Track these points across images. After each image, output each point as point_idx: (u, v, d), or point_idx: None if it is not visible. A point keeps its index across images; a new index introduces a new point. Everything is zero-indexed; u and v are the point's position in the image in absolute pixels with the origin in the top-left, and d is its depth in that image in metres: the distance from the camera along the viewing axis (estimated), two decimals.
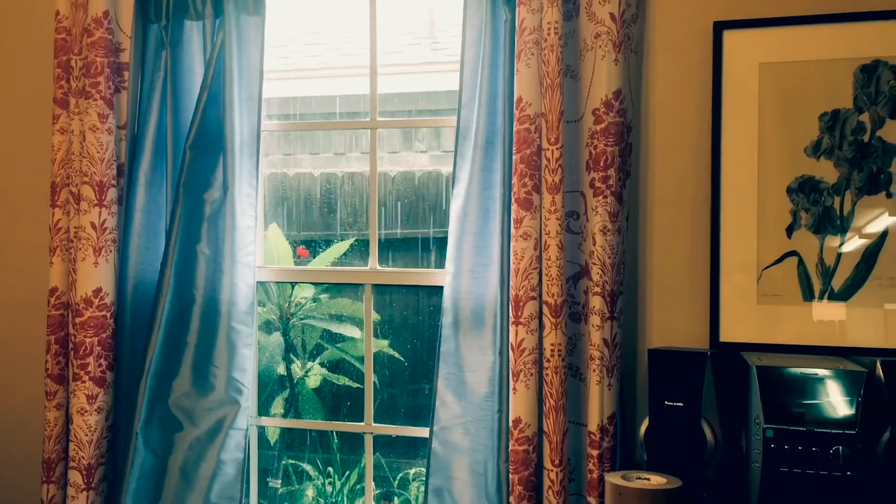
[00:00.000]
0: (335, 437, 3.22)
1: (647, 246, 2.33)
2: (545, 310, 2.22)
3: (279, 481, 3.25)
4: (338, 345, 3.22)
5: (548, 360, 2.22)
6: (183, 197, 2.54)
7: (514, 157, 2.27)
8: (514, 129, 2.27)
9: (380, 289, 3.15)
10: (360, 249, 3.21)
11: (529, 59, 2.24)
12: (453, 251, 2.46)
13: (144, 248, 2.61)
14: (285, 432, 3.26)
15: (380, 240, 3.17)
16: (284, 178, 3.24)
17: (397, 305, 3.23)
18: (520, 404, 2.24)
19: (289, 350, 3.20)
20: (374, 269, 2.68)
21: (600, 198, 2.20)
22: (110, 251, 2.51)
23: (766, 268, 2.20)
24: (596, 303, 2.20)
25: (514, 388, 2.25)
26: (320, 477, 3.26)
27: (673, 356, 2.09)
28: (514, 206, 2.26)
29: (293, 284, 3.13)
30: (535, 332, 2.24)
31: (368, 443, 2.72)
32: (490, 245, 2.42)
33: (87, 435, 2.45)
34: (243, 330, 2.62)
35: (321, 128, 2.87)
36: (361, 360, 3.23)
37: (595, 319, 2.20)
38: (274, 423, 2.79)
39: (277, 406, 3.24)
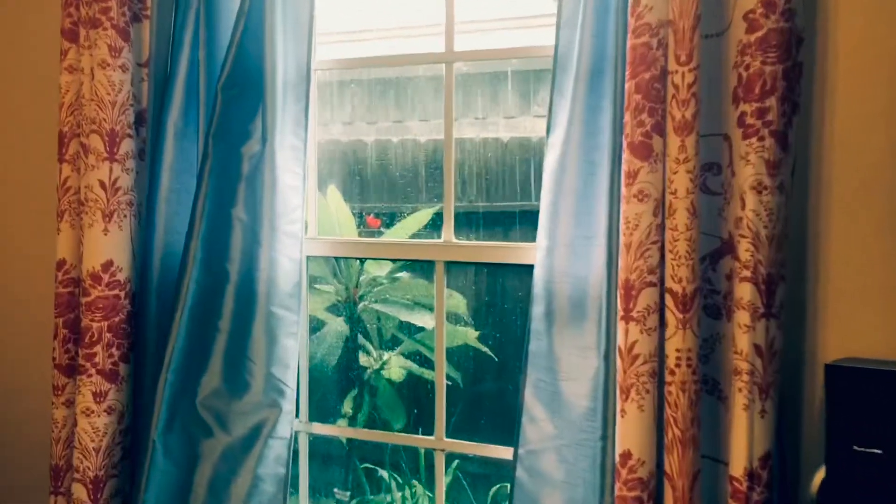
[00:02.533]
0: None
1: (822, 212, 1.63)
2: (669, 301, 1.56)
3: (347, 493, 2.74)
4: (417, 335, 2.66)
5: (671, 372, 1.57)
6: (213, 150, 2.04)
7: (626, 84, 1.61)
8: (629, 45, 1.61)
9: (466, 269, 2.56)
10: (460, 220, 2.61)
11: None
12: (547, 219, 1.84)
13: (174, 213, 2.14)
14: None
15: (472, 212, 2.58)
16: (354, 142, 2.69)
17: (489, 289, 2.64)
18: (630, 433, 1.60)
19: (354, 339, 2.66)
20: (449, 241, 2.09)
21: (753, 140, 1.52)
22: (124, 216, 2.04)
23: None
24: (745, 292, 1.52)
25: (623, 411, 1.61)
26: (404, 488, 2.72)
27: (867, 377, 1.39)
28: (625, 155, 1.61)
29: (362, 260, 2.59)
30: (653, 331, 1.59)
31: (439, 463, 2.14)
32: (595, 211, 1.78)
33: (93, 441, 2.00)
34: (286, 316, 2.10)
35: (385, 63, 2.31)
36: (451, 352, 2.66)
37: (743, 316, 1.53)
38: (324, 431, 2.27)
39: (346, 406, 2.72)
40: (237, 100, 2.06)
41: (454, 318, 2.67)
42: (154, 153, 2.11)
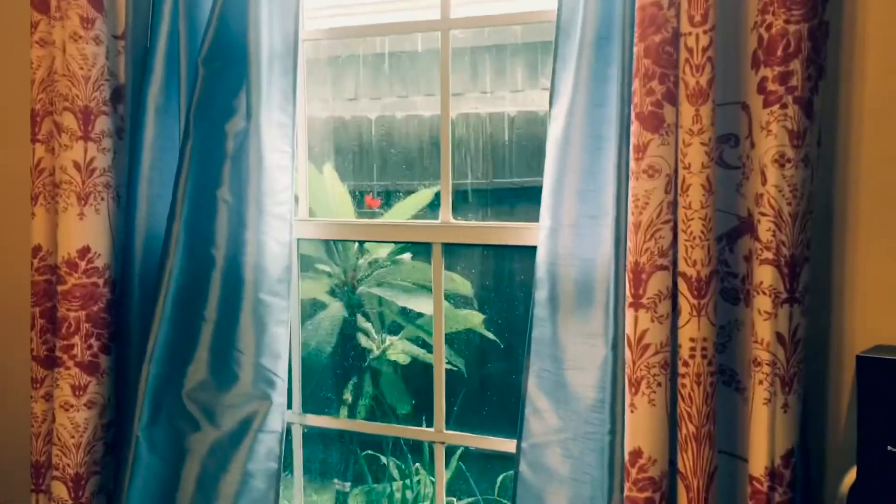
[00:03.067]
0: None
1: (850, 187, 1.49)
2: (682, 286, 1.43)
3: (348, 483, 2.63)
4: (419, 320, 2.53)
5: (685, 364, 1.44)
6: (195, 127, 1.91)
7: (634, 49, 1.47)
8: (637, 4, 1.46)
9: (471, 250, 2.43)
10: (455, 200, 2.48)
11: None
12: (550, 198, 1.71)
13: (156, 195, 2.01)
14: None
15: (479, 190, 2.44)
16: (351, 119, 2.55)
17: (496, 271, 2.51)
18: (641, 429, 1.47)
19: (354, 324, 2.54)
20: (447, 222, 1.96)
21: (775, 108, 1.37)
22: (101, 199, 1.91)
23: None
24: (765, 276, 1.39)
25: (633, 405, 1.48)
26: (407, 476, 2.61)
27: None
28: (633, 126, 1.47)
29: (361, 243, 2.46)
30: (664, 319, 1.46)
31: (439, 455, 2.03)
32: (602, 187, 1.65)
33: (73, 436, 1.89)
34: (275, 303, 1.98)
35: (378, 33, 2.17)
36: (454, 337, 2.53)
37: (763, 302, 1.39)
38: (320, 423, 2.16)
39: (347, 394, 2.60)
40: (220, 74, 1.93)
41: (459, 302, 2.54)
42: (134, 131, 1.98)
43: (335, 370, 2.59)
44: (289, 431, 2.10)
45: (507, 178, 2.46)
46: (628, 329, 1.47)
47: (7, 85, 2.18)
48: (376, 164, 2.53)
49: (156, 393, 1.93)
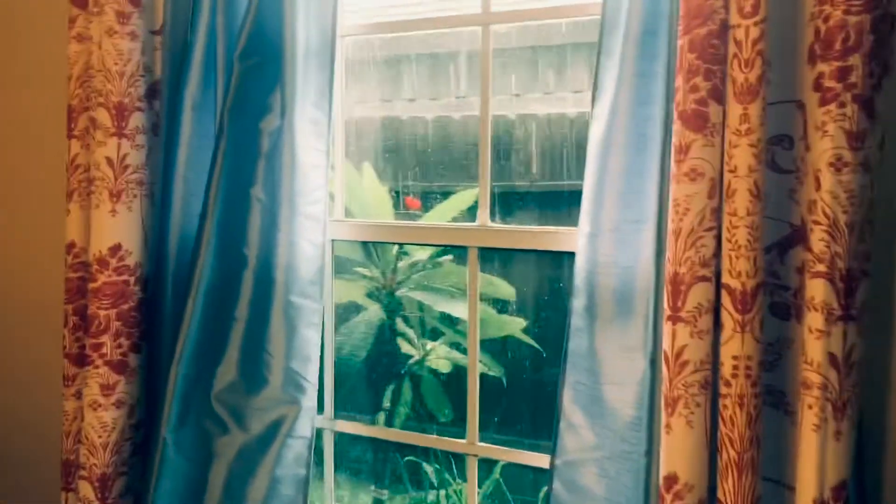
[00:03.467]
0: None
1: None
2: (725, 299, 1.32)
3: (385, 491, 2.57)
4: (458, 326, 2.46)
5: (727, 384, 1.33)
6: (229, 125, 1.87)
7: (679, 42, 1.36)
8: None
9: (514, 254, 2.35)
10: (501, 202, 2.41)
11: None
12: (590, 202, 1.62)
13: (191, 193, 1.97)
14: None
15: (526, 193, 2.36)
16: (393, 119, 2.49)
17: (539, 276, 2.42)
18: (677, 453, 1.37)
19: (392, 328, 2.47)
20: (484, 225, 1.88)
21: (832, 107, 1.25)
22: (134, 196, 1.89)
23: None
24: (817, 290, 1.27)
25: (668, 426, 1.38)
26: (447, 484, 2.54)
27: None
28: (676, 126, 1.36)
29: (401, 245, 2.40)
30: (705, 334, 1.35)
31: (472, 468, 1.95)
32: (645, 191, 1.55)
33: (100, 436, 1.88)
34: (306, 305, 1.93)
35: (417, 28, 2.09)
36: (493, 344, 2.45)
37: (815, 319, 1.27)
38: (351, 430, 2.10)
39: (386, 400, 2.54)
40: (255, 70, 1.89)
41: (500, 307, 2.46)
42: (170, 128, 1.95)
43: (371, 375, 2.53)
44: (319, 436, 2.05)
45: (564, 181, 2.37)
46: (665, 344, 1.37)
47: (47, 81, 2.18)
48: (417, 165, 2.46)
49: (184, 394, 1.90)
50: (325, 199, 1.95)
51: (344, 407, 2.16)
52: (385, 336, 2.48)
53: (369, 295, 2.47)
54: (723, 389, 1.33)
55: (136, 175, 1.89)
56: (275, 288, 1.90)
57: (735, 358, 1.31)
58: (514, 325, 2.47)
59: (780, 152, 1.38)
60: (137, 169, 1.89)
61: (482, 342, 2.47)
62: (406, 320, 2.51)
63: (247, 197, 1.90)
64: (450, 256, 2.50)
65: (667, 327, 1.36)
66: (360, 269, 2.48)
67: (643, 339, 1.54)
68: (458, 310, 2.44)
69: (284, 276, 1.90)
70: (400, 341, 2.51)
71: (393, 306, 2.45)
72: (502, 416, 2.39)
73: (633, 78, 1.55)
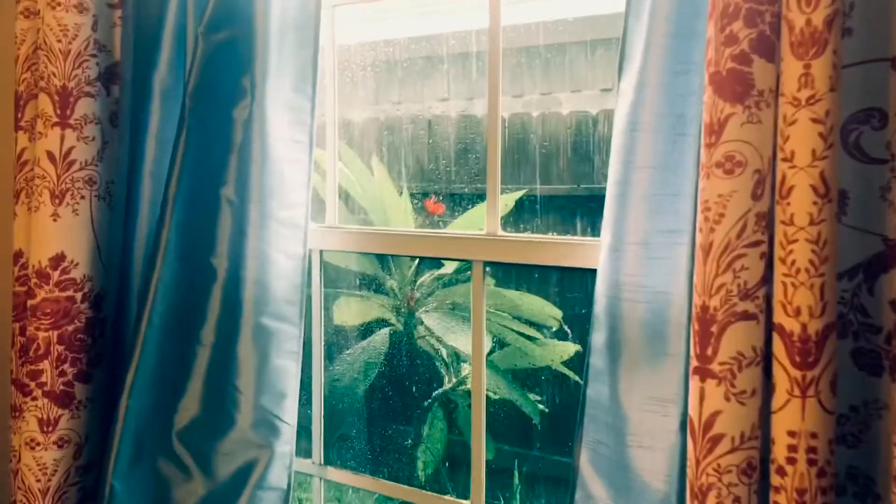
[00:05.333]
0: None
1: None
2: (778, 347, 0.90)
3: None
4: (498, 352, 2.08)
5: (780, 471, 0.90)
6: (192, 111, 1.57)
7: None
8: None
9: (546, 272, 1.96)
10: (543, 205, 2.03)
11: None
12: (612, 205, 1.23)
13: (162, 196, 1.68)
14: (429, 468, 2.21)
15: (555, 196, 1.98)
16: (412, 117, 2.15)
17: (584, 294, 2.02)
18: None
19: (412, 355, 2.11)
20: (494, 234, 1.51)
21: None
22: (82, 197, 1.61)
23: None
24: None
25: None
26: None
27: None
28: (706, 95, 0.95)
29: (420, 259, 2.04)
30: (747, 397, 0.93)
31: None
32: (682, 190, 1.15)
33: (39, 480, 1.60)
34: (281, 329, 1.60)
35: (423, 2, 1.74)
36: (531, 376, 2.07)
37: None
38: (341, 479, 1.75)
39: (407, 437, 2.18)
40: (226, 48, 1.58)
41: (547, 331, 2.07)
42: (135, 119, 1.67)
43: (391, 410, 2.17)
44: (307, 487, 1.72)
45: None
46: (691, 408, 0.95)
47: None
48: (442, 165, 2.10)
49: (137, 432, 1.60)
50: (307, 202, 1.62)
51: (339, 448, 1.81)
52: (402, 364, 2.12)
53: (383, 315, 2.12)
54: (775, 479, 0.91)
55: (83, 172, 1.60)
56: (243, 308, 1.58)
57: (793, 434, 0.89)
58: (557, 353, 2.07)
59: (869, 133, 0.95)
60: (85, 165, 1.61)
61: (515, 373, 2.08)
62: (432, 345, 2.14)
63: (216, 198, 1.59)
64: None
65: (692, 384, 0.95)
66: (373, 285, 2.13)
67: (678, 389, 1.13)
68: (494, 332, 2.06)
69: (254, 294, 1.58)
70: (427, 369, 2.14)
71: (411, 329, 2.08)
72: (530, 469, 1.99)
73: (665, 39, 1.15)
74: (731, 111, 0.91)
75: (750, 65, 0.90)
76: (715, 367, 0.92)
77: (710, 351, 0.92)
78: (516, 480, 2.05)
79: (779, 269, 0.89)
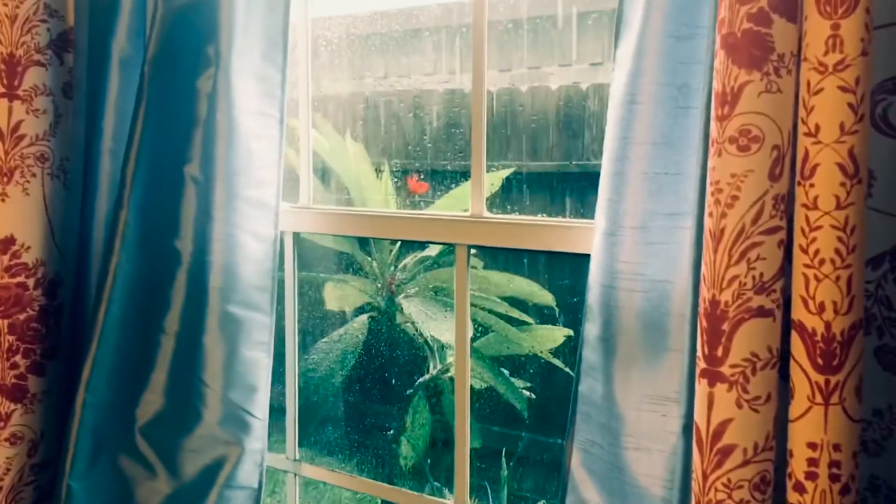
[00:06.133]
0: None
1: None
2: (797, 347, 0.79)
3: None
4: (484, 338, 1.97)
5: (799, 487, 0.80)
6: (152, 81, 1.44)
7: None
8: None
9: (536, 254, 1.85)
10: (532, 184, 1.92)
11: None
12: (607, 185, 1.12)
13: None
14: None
15: (554, 173, 1.87)
16: (398, 92, 2.03)
17: (578, 278, 1.92)
18: None
19: (392, 342, 2.00)
20: (478, 216, 1.39)
21: None
22: (33, 175, 1.49)
23: None
24: None
25: None
26: None
27: None
28: (717, 60, 0.84)
29: (402, 242, 1.92)
30: (761, 404, 0.82)
31: None
32: (685, 170, 1.05)
33: None
34: (250, 318, 1.49)
35: None
36: (519, 364, 1.96)
37: None
38: (317, 475, 1.65)
39: (390, 425, 2.08)
40: (188, 12, 1.46)
41: (541, 316, 1.97)
42: (92, 89, 1.55)
43: (368, 398, 2.07)
44: (281, 484, 1.61)
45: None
46: (697, 415, 0.85)
47: None
48: (424, 140, 1.97)
49: (95, 428, 1.49)
50: (278, 181, 1.50)
51: (320, 441, 1.70)
52: (382, 351, 2.01)
53: (361, 299, 2.00)
54: (792, 497, 0.80)
55: (34, 148, 1.48)
56: (209, 296, 1.47)
57: (813, 447, 0.78)
58: (555, 336, 1.97)
59: None
60: (37, 140, 1.48)
61: (502, 361, 1.98)
62: (414, 328, 2.03)
63: (179, 176, 1.47)
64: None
65: (699, 387, 0.84)
66: (353, 267, 2.01)
67: (680, 387, 1.02)
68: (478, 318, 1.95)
69: (221, 281, 1.47)
70: (409, 357, 2.03)
71: (392, 314, 1.97)
72: (516, 467, 1.89)
73: (666, 3, 1.03)
74: (747, 79, 0.79)
75: (769, 25, 0.79)
76: (725, 369, 0.81)
77: (719, 351, 0.82)
78: (504, 469, 1.95)
79: (799, 260, 0.78)
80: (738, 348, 0.81)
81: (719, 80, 0.81)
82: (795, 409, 0.79)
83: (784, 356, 0.82)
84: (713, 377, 0.82)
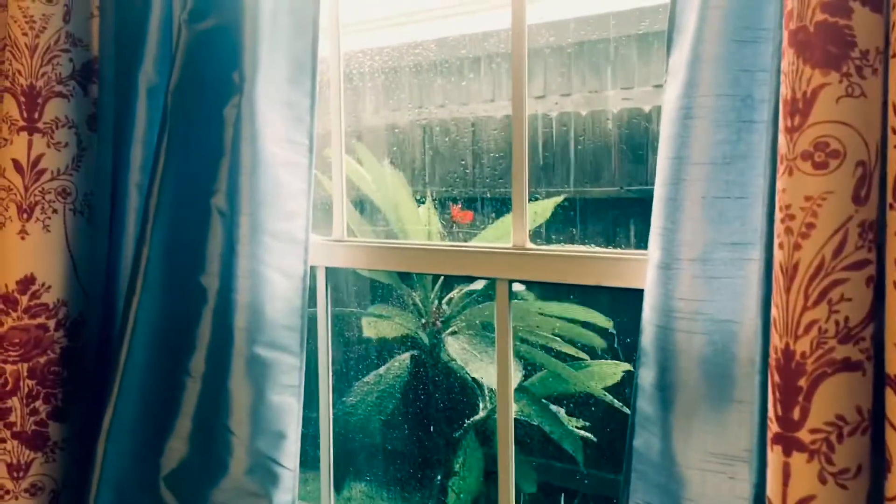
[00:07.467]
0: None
1: None
2: (893, 408, 0.64)
3: None
4: (529, 380, 1.83)
5: None
6: (173, 112, 1.36)
7: None
8: None
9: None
10: (585, 214, 1.79)
11: None
12: (661, 211, 0.98)
13: None
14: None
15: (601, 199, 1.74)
16: (443, 121, 1.93)
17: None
18: None
19: (437, 382, 1.88)
20: (521, 247, 1.27)
21: None
22: (55, 211, 1.42)
23: None
24: None
25: None
26: None
27: None
28: (785, 61, 0.70)
29: (443, 276, 1.80)
30: (850, 478, 0.67)
31: None
32: (751, 192, 0.90)
33: None
34: (278, 360, 1.39)
35: None
36: (571, 402, 1.82)
37: None
38: None
39: (439, 474, 1.94)
40: (213, 37, 1.37)
41: (595, 350, 1.83)
42: (119, 121, 1.47)
43: (411, 442, 1.94)
44: None
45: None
46: (770, 491, 0.70)
47: None
48: (476, 170, 1.86)
49: (119, 479, 1.40)
50: (307, 212, 1.40)
51: (374, 492, 1.59)
52: (428, 392, 1.89)
53: (402, 337, 1.88)
54: None
55: (56, 183, 1.41)
56: (234, 336, 1.37)
57: None
58: (607, 375, 1.82)
59: None
60: (58, 174, 1.41)
61: (557, 399, 1.84)
62: (462, 366, 1.90)
63: (205, 209, 1.38)
64: (519, 285, 1.88)
65: (774, 458, 0.70)
66: (394, 301, 1.90)
67: (750, 446, 0.88)
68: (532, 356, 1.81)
69: (246, 321, 1.37)
70: (459, 397, 1.90)
71: (437, 353, 1.84)
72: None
73: (727, 3, 0.90)
74: (823, 81, 0.65)
75: (848, 16, 0.65)
76: (804, 435, 0.67)
77: (796, 413, 0.67)
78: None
79: (893, 300, 0.63)
80: (820, 410, 0.66)
81: (788, 85, 0.68)
82: (894, 484, 0.64)
83: (877, 419, 0.67)
84: (789, 444, 0.68)
